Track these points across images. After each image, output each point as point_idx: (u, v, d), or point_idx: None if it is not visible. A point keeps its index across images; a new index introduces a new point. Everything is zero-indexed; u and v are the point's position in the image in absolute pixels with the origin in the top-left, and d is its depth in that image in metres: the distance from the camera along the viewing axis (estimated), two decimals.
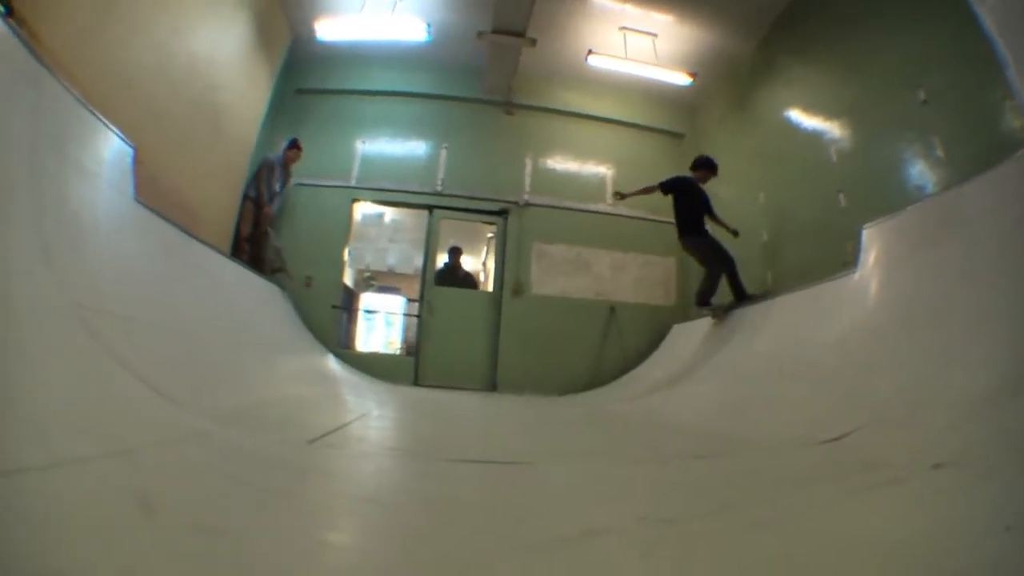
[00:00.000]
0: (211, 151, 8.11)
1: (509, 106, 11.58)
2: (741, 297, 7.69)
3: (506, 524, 1.76)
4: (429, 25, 9.60)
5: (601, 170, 11.70)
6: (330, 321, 10.25)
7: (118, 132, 3.98)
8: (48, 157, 2.93)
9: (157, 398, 2.69)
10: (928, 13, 6.00)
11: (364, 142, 11.12)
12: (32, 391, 1.81)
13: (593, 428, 5.39)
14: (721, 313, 7.81)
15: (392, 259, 19.26)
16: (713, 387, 6.10)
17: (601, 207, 11.29)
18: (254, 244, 9.10)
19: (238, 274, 7.08)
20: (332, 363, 8.89)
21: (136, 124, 5.00)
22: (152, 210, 4.57)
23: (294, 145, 9.67)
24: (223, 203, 8.72)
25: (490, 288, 11.56)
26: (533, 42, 9.78)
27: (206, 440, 2.44)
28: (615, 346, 10.71)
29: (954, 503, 1.67)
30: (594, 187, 11.58)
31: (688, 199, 8.32)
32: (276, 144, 9.87)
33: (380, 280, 20.62)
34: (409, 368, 10.43)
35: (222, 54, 8.13)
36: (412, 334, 12.57)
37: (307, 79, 11.10)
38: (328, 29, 9.79)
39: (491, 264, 12.63)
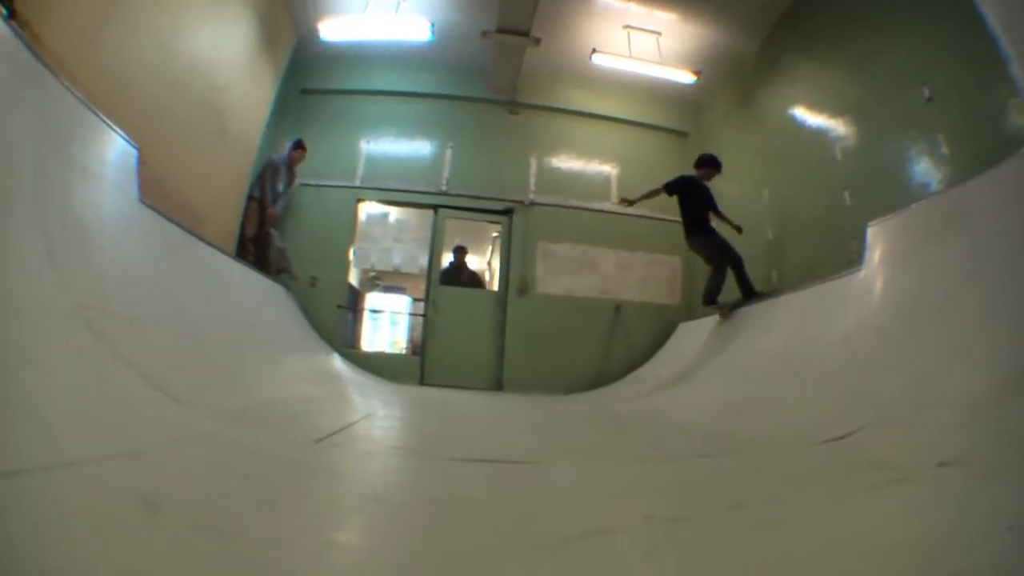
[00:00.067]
0: (215, 151, 8.12)
1: (513, 105, 11.57)
2: (749, 295, 7.68)
3: (512, 523, 1.76)
4: (433, 25, 9.60)
5: (606, 169, 11.69)
6: (335, 321, 10.26)
7: (122, 133, 3.98)
8: (52, 158, 2.93)
9: (163, 398, 2.70)
10: (931, 11, 5.99)
11: (368, 142, 11.12)
12: (38, 392, 1.82)
13: (599, 427, 5.39)
14: (727, 312, 7.79)
15: (397, 259, 19.23)
16: (718, 386, 6.10)
17: (606, 206, 11.27)
18: (259, 244, 9.11)
19: (243, 274, 7.08)
20: (338, 363, 8.90)
21: (140, 125, 5.01)
22: (156, 211, 4.58)
23: (299, 146, 9.69)
24: (228, 204, 8.73)
25: (495, 287, 11.55)
26: (537, 41, 9.79)
27: (212, 440, 2.45)
28: (621, 345, 10.70)
29: (958, 502, 1.66)
30: (599, 186, 11.57)
31: (693, 198, 8.32)
32: (280, 144, 9.87)
33: (385, 280, 20.59)
34: (415, 368, 10.43)
35: (226, 54, 8.14)
36: (418, 334, 12.55)
37: (311, 79, 11.10)
38: (332, 29, 9.79)
39: (496, 263, 12.62)
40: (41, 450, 1.51)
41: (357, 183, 10.87)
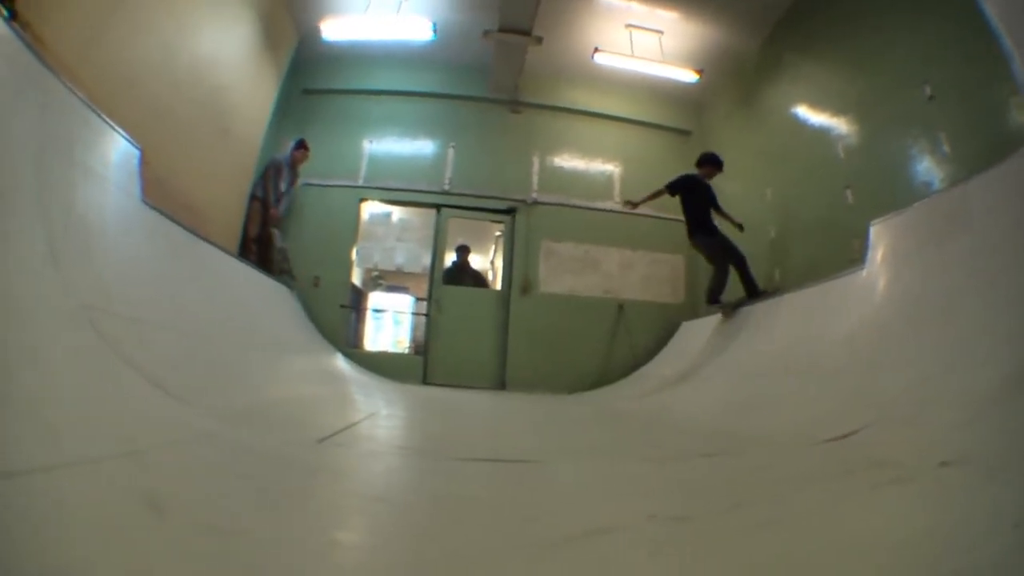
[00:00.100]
0: (218, 152, 8.13)
1: (516, 104, 11.58)
2: (753, 293, 7.68)
3: (515, 522, 1.76)
4: (435, 24, 9.59)
5: (609, 168, 11.70)
6: (338, 320, 10.27)
7: (124, 134, 3.98)
8: (55, 159, 2.93)
9: (166, 398, 2.70)
10: (932, 9, 5.99)
11: (371, 142, 11.13)
12: (41, 392, 1.82)
13: (602, 426, 5.39)
14: (730, 310, 7.80)
15: (400, 258, 19.26)
16: (721, 385, 6.11)
17: (609, 205, 11.28)
18: (262, 244, 9.13)
19: (246, 274, 7.09)
20: (341, 362, 8.91)
21: (142, 125, 5.02)
22: (159, 211, 4.58)
23: (301, 145, 9.70)
24: (230, 204, 8.74)
25: (498, 287, 11.55)
26: (539, 40, 9.79)
27: (215, 440, 2.45)
28: (624, 344, 10.71)
29: (961, 501, 1.66)
30: (602, 185, 11.58)
31: (695, 197, 8.33)
32: (283, 144, 9.88)
33: (388, 279, 20.63)
34: (418, 367, 10.45)
35: (228, 55, 8.15)
36: (420, 333, 12.58)
37: (313, 79, 11.12)
38: (334, 29, 9.79)
39: (499, 263, 12.62)
40: (43, 450, 1.51)
41: (360, 183, 10.89)
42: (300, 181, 10.05)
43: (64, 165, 3.08)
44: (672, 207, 8.72)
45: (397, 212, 14.21)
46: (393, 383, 8.90)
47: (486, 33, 9.80)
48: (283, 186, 9.45)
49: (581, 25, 10.27)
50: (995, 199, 3.52)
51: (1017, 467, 1.79)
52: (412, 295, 19.35)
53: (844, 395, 3.75)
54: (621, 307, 10.91)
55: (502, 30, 9.58)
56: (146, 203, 4.30)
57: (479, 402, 7.36)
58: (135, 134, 4.17)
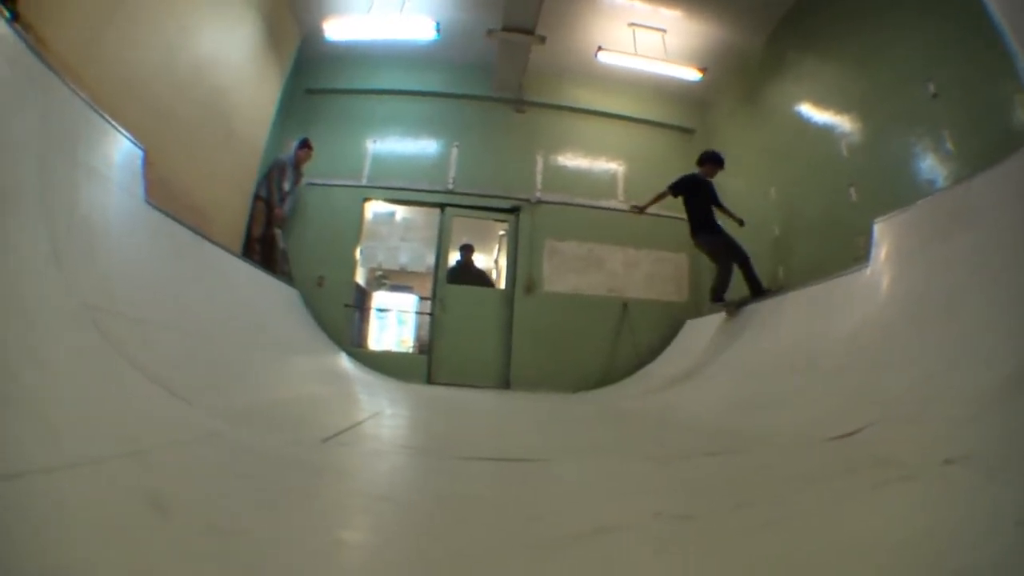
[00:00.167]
0: (221, 152, 8.14)
1: (519, 103, 11.58)
2: (757, 291, 7.69)
3: (520, 521, 1.76)
4: (438, 24, 9.59)
5: (612, 166, 11.70)
6: (343, 320, 10.28)
7: (127, 134, 3.99)
8: (57, 160, 2.94)
9: (170, 398, 2.71)
10: (936, 6, 5.98)
11: (375, 141, 11.14)
12: (43, 393, 1.82)
13: (606, 425, 5.39)
14: (734, 309, 7.80)
15: (404, 257, 19.26)
16: (725, 383, 6.10)
17: (613, 204, 11.28)
18: (266, 244, 9.13)
19: (250, 274, 7.09)
20: (345, 362, 8.92)
21: (145, 126, 5.04)
22: (163, 212, 4.59)
23: (305, 145, 9.72)
24: (234, 204, 8.76)
25: (502, 286, 11.55)
26: (543, 39, 9.79)
27: (219, 440, 2.45)
28: (628, 343, 10.70)
29: (965, 499, 1.66)
30: (606, 184, 11.58)
31: (697, 197, 8.35)
32: (286, 144, 9.91)
33: (392, 279, 20.63)
34: (422, 366, 10.45)
35: (230, 55, 8.16)
36: (425, 332, 12.58)
37: (317, 79, 11.13)
38: (337, 29, 9.80)
39: (503, 262, 12.62)
40: (45, 450, 1.51)
41: (363, 182, 10.90)
42: (304, 180, 10.06)
43: (67, 166, 3.08)
44: (675, 206, 8.71)
45: (401, 211, 14.21)
46: (397, 382, 8.91)
47: (489, 32, 9.80)
48: (287, 186, 9.48)
49: (584, 24, 10.27)
50: (999, 197, 3.52)
51: (1020, 465, 1.79)
52: (416, 294, 19.37)
53: (848, 393, 3.75)
54: (625, 306, 10.90)
55: (505, 29, 9.59)
56: (150, 204, 4.31)
57: (483, 401, 7.36)
58: (138, 135, 4.17)
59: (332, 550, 1.41)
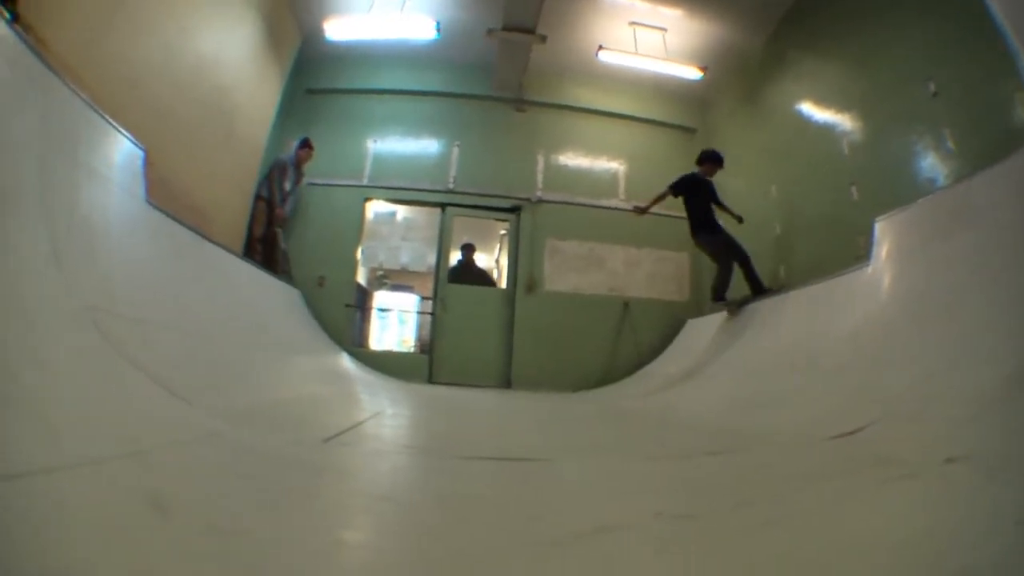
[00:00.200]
0: (222, 152, 8.15)
1: (520, 103, 11.59)
2: (758, 290, 7.69)
3: (521, 521, 1.76)
4: (438, 23, 9.58)
5: (613, 166, 11.70)
6: (344, 320, 10.28)
7: (128, 135, 3.99)
8: (57, 160, 2.94)
9: (171, 399, 2.71)
10: (937, 5, 5.98)
11: (375, 141, 11.15)
12: (44, 393, 1.82)
13: (607, 424, 5.40)
14: (736, 308, 7.80)
15: (405, 257, 19.28)
16: (726, 382, 6.10)
17: (614, 203, 11.28)
18: (267, 244, 9.14)
19: (251, 274, 7.10)
20: (346, 362, 8.92)
21: (146, 126, 5.04)
22: (164, 212, 4.59)
23: (305, 144, 9.72)
24: (235, 204, 8.76)
25: (503, 285, 11.56)
26: (543, 39, 9.80)
27: (220, 440, 2.45)
28: (629, 342, 10.70)
29: (967, 498, 1.66)
30: (606, 183, 11.58)
31: (697, 196, 8.35)
32: (287, 145, 9.92)
33: (393, 278, 20.64)
34: (423, 366, 10.46)
35: (231, 55, 8.16)
36: (426, 332, 12.58)
37: (317, 79, 11.14)
38: (337, 29, 9.80)
39: (504, 261, 12.63)
40: (45, 451, 1.51)
41: (364, 182, 10.91)
42: (305, 180, 10.06)
43: (67, 166, 3.09)
44: (676, 205, 8.69)
45: (402, 211, 14.21)
46: (398, 382, 8.92)
47: (490, 32, 9.80)
48: (288, 186, 9.49)
49: (585, 23, 10.27)
50: (999, 196, 3.52)
51: (1021, 464, 1.79)
52: (417, 294, 19.38)
53: (849, 392, 3.75)
54: (626, 305, 10.91)
55: (506, 28, 9.59)
56: (150, 204, 4.31)
57: (484, 401, 7.36)
58: (139, 135, 4.18)
59: (333, 550, 1.41)
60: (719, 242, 8.16)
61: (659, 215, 9.55)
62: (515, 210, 11.16)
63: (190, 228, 5.14)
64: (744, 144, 10.24)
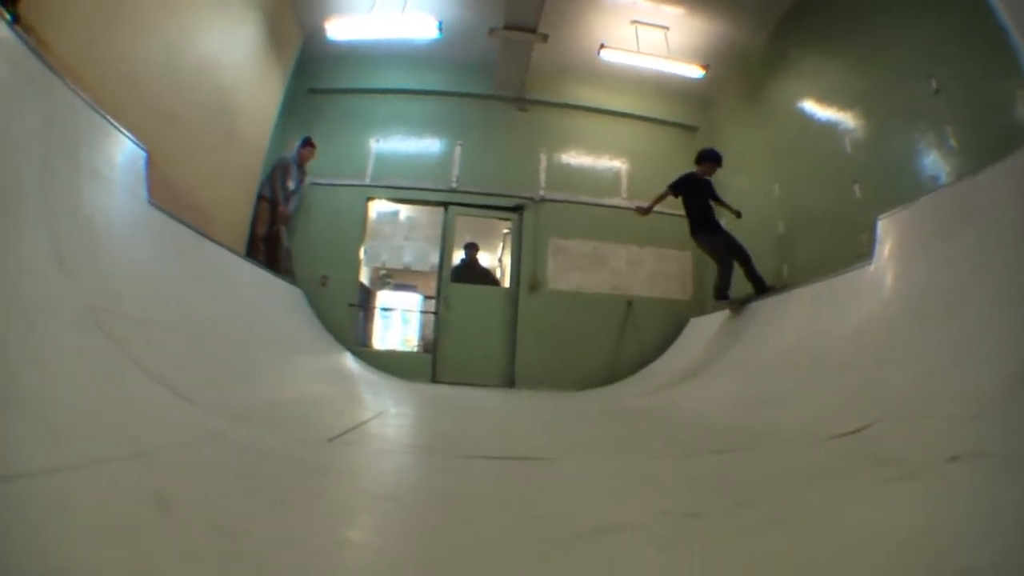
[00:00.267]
0: (224, 152, 8.16)
1: (522, 102, 11.59)
2: (760, 288, 7.68)
3: (525, 520, 1.76)
4: (440, 22, 9.58)
5: (616, 164, 11.69)
6: (347, 319, 10.29)
7: (130, 136, 4.00)
8: (60, 162, 2.95)
9: (174, 399, 2.71)
10: (938, 1, 5.98)
11: (378, 140, 11.15)
12: (47, 394, 1.83)
13: (611, 423, 5.39)
14: (739, 306, 7.79)
15: (408, 256, 19.28)
16: (730, 381, 6.10)
17: (616, 201, 11.27)
18: (270, 244, 9.15)
19: (254, 274, 7.10)
20: (349, 361, 8.93)
21: (148, 127, 5.05)
22: (166, 212, 4.60)
23: (308, 143, 9.73)
24: (238, 204, 8.77)
25: (507, 284, 11.56)
26: (545, 37, 9.80)
27: (224, 440, 2.46)
28: (632, 341, 10.70)
29: (970, 497, 1.66)
30: (609, 181, 11.57)
31: (696, 196, 8.35)
32: (289, 144, 9.93)
33: (396, 278, 20.65)
34: (427, 365, 10.46)
35: (232, 55, 8.17)
36: (429, 331, 12.59)
37: (319, 79, 11.14)
38: (339, 28, 9.79)
39: (507, 260, 12.63)
40: (47, 452, 1.52)
41: (367, 181, 10.91)
42: (308, 179, 10.07)
43: (69, 167, 3.09)
44: (679, 203, 8.68)
45: (405, 210, 14.23)
46: (402, 381, 8.91)
47: (492, 31, 9.80)
48: (292, 184, 9.48)
49: (586, 22, 10.27)
50: (1002, 193, 3.51)
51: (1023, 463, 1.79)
52: (420, 293, 19.39)
53: (852, 390, 3.74)
54: (629, 304, 10.90)
55: (508, 27, 9.59)
56: (153, 205, 4.32)
57: (488, 400, 7.36)
58: (141, 136, 4.19)
59: (337, 550, 1.41)
60: (718, 241, 8.17)
61: (662, 214, 9.53)
62: (518, 209, 11.16)
63: (192, 228, 5.14)
64: (746, 142, 10.24)
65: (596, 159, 11.69)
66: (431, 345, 11.18)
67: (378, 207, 11.94)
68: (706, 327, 8.99)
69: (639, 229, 10.82)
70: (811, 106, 8.56)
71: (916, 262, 4.26)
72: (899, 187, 6.11)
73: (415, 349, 17.32)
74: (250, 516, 1.54)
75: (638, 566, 1.39)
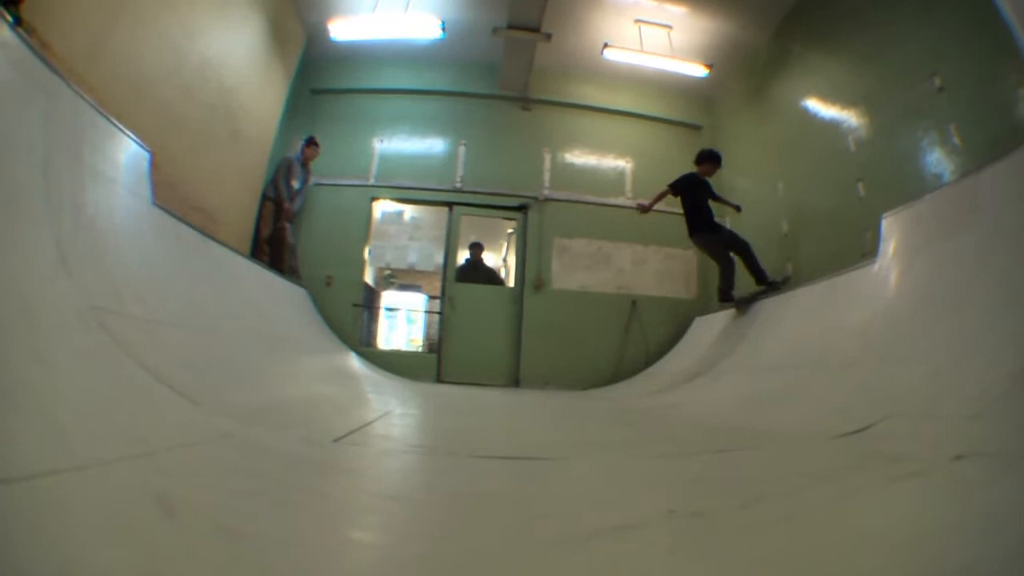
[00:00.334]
0: (228, 154, 8.17)
1: (526, 101, 11.61)
2: (761, 279, 7.68)
3: (532, 520, 1.75)
4: (443, 22, 9.61)
5: (620, 164, 11.71)
6: (352, 320, 10.32)
7: (134, 137, 4.00)
8: (63, 164, 2.95)
9: (179, 399, 2.71)
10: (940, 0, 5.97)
11: (382, 140, 11.18)
12: (52, 395, 1.82)
13: (617, 422, 5.38)
14: (744, 306, 7.78)
15: (412, 256, 19.29)
16: (735, 380, 6.09)
17: (621, 201, 11.27)
18: (274, 245, 9.16)
19: (258, 275, 7.11)
20: (354, 361, 8.93)
21: (152, 129, 5.06)
22: (171, 213, 4.61)
23: (312, 142, 9.76)
24: (242, 205, 8.79)
25: (511, 284, 11.57)
26: (548, 37, 9.81)
27: (229, 441, 2.45)
28: (637, 340, 10.72)
29: (977, 494, 1.66)
30: (613, 181, 11.59)
31: (696, 196, 8.33)
32: (294, 145, 9.94)
33: (401, 278, 20.65)
34: (432, 365, 10.50)
35: (236, 56, 8.18)
36: (434, 331, 12.60)
37: (323, 79, 11.17)
38: (342, 29, 9.82)
39: (512, 260, 12.64)
40: (52, 453, 1.51)
41: (371, 182, 10.95)
42: (313, 178, 10.08)
43: (72, 169, 3.09)
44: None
45: (409, 210, 14.27)
46: (407, 381, 8.93)
47: (495, 30, 9.81)
48: (297, 184, 9.50)
49: (590, 21, 10.27)
50: (1005, 190, 3.50)
51: None
52: (425, 293, 19.41)
53: (858, 389, 3.74)
54: (634, 303, 10.91)
55: (511, 27, 9.59)
56: (157, 206, 4.32)
57: (493, 399, 7.36)
58: (145, 137, 4.19)
59: (344, 550, 1.41)
60: (716, 240, 8.19)
61: (666, 213, 9.55)
62: (522, 208, 11.18)
63: (197, 229, 5.15)
64: (750, 141, 10.26)
65: (600, 158, 11.71)
66: (436, 345, 11.19)
67: (382, 207, 11.98)
68: (711, 326, 8.99)
69: (643, 228, 10.84)
70: (815, 104, 8.56)
71: (920, 260, 4.25)
72: (903, 185, 6.11)
73: (420, 349, 17.34)
74: (255, 517, 1.53)
75: (646, 566, 1.38)
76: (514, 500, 2.06)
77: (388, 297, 19.70)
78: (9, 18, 2.74)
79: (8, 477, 1.28)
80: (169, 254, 4.43)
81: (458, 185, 11.10)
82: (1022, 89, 4.89)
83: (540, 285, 10.81)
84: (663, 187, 8.56)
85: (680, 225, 8.78)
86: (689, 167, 8.68)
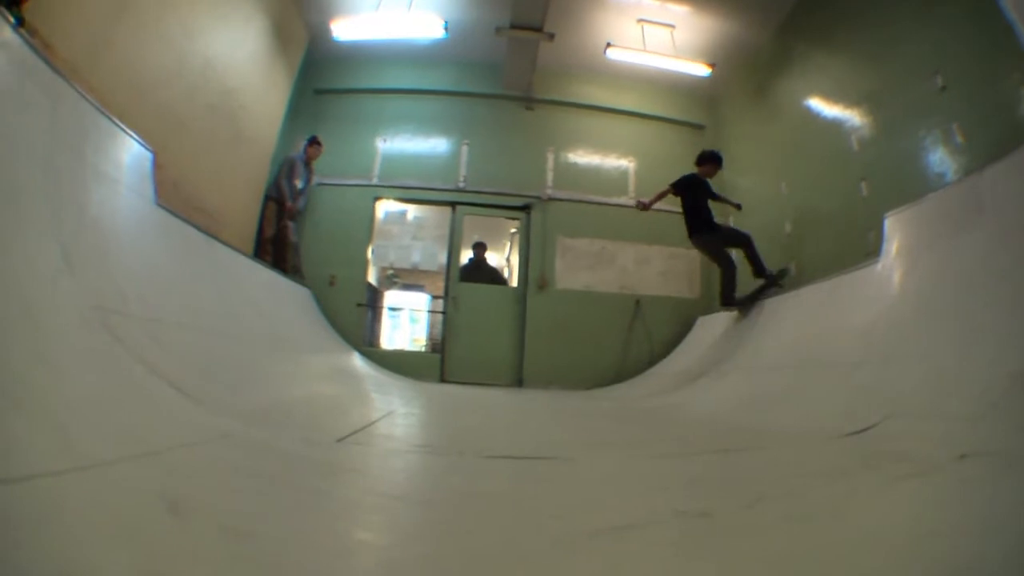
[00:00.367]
0: (231, 154, 8.18)
1: (529, 101, 11.60)
2: (760, 272, 7.68)
3: (537, 519, 1.75)
4: (446, 22, 9.61)
5: (623, 163, 11.69)
6: (355, 319, 10.31)
7: (137, 137, 4.00)
8: (66, 164, 2.95)
9: (183, 400, 2.71)
10: None
11: (385, 140, 11.17)
12: (55, 395, 1.82)
13: (621, 422, 5.38)
14: (747, 308, 7.77)
15: (416, 256, 19.33)
16: (739, 380, 6.09)
17: (624, 200, 11.24)
18: (277, 245, 9.16)
19: (262, 275, 7.11)
20: (358, 361, 8.93)
21: (155, 129, 5.07)
22: (174, 214, 4.61)
23: (314, 141, 9.74)
24: (245, 205, 8.79)
25: (515, 283, 11.57)
26: (551, 36, 9.80)
27: (233, 441, 2.45)
28: (641, 339, 10.71)
29: (980, 494, 1.66)
30: (617, 180, 11.57)
31: (696, 197, 8.32)
32: (297, 145, 9.93)
33: (404, 277, 20.69)
34: (435, 365, 10.49)
35: (239, 57, 8.18)
36: (437, 331, 12.61)
37: (325, 79, 11.18)
38: (345, 28, 9.80)
39: (515, 259, 12.64)
40: (55, 453, 1.51)
41: (374, 181, 10.95)
42: (316, 177, 10.08)
43: (75, 169, 3.10)
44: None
45: (412, 210, 14.28)
46: (410, 381, 8.93)
47: (498, 30, 9.80)
48: (300, 183, 9.49)
49: (593, 21, 10.27)
50: (1009, 189, 3.49)
51: None
52: (428, 293, 19.44)
53: (862, 389, 3.74)
54: (638, 302, 10.90)
55: (514, 27, 9.59)
56: (160, 206, 4.32)
57: (497, 399, 7.36)
58: (148, 138, 4.19)
59: (348, 550, 1.41)
60: (715, 241, 8.18)
61: (670, 212, 9.54)
62: (525, 208, 11.18)
63: (199, 229, 5.15)
64: (753, 140, 10.26)
65: (603, 158, 11.70)
66: (439, 345, 11.21)
67: (386, 207, 11.98)
68: (714, 325, 8.98)
69: (647, 228, 10.85)
70: (818, 104, 8.55)
71: (924, 259, 4.24)
72: (906, 185, 6.10)
73: (423, 349, 17.35)
74: (259, 517, 1.53)
75: (654, 567, 1.38)
76: (518, 500, 2.06)
77: (391, 297, 19.73)
78: (12, 19, 2.74)
79: (9, 477, 1.28)
80: (172, 254, 4.43)
81: (461, 185, 11.10)
82: None
83: (543, 285, 10.81)
84: (665, 186, 8.53)
85: (683, 225, 8.78)
86: (692, 166, 8.66)
